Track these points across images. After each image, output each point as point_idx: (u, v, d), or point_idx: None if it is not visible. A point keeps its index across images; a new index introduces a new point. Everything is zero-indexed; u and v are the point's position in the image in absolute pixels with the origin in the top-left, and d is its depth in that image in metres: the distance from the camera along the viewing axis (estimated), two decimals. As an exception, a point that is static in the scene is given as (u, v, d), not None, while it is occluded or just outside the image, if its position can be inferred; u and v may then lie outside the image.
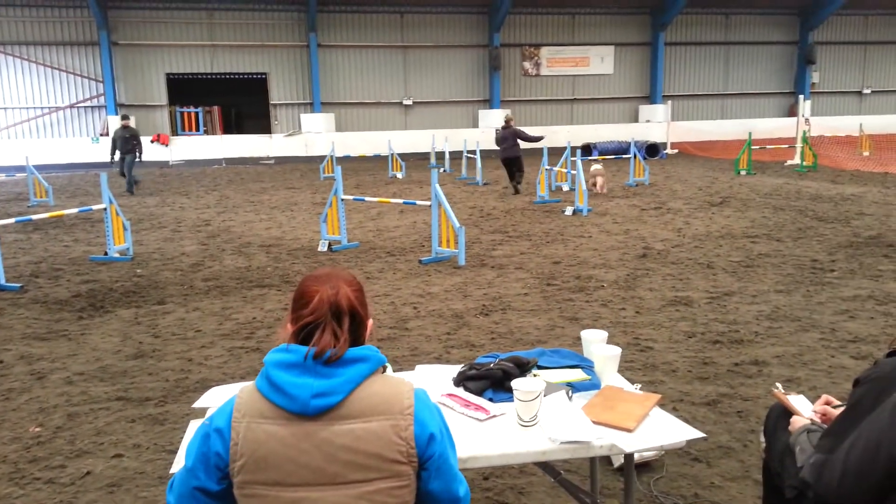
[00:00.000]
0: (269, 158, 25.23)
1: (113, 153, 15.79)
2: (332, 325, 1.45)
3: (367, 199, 9.02)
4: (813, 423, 2.02)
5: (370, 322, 1.58)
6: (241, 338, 5.15)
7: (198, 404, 2.33)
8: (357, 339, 1.51)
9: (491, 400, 2.21)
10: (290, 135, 25.98)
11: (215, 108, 26.92)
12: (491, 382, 2.27)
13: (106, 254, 8.23)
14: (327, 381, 1.41)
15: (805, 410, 2.13)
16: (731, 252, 7.68)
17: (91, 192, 16.16)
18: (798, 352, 4.51)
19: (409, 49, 27.47)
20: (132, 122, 16.83)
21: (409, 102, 27.74)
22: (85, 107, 25.31)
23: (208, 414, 1.56)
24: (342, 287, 1.50)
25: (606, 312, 5.56)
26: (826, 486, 1.68)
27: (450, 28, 27.61)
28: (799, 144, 17.84)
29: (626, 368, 4.29)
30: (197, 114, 26.25)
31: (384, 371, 1.55)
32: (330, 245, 8.50)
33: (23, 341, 5.17)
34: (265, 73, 26.55)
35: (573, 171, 12.56)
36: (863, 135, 22.37)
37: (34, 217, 8.02)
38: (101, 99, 25.10)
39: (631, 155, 15.30)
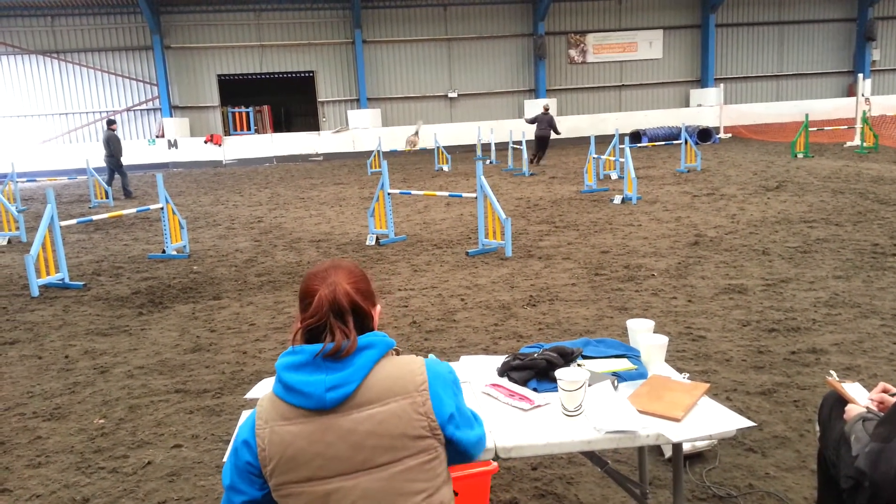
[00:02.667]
0: (317, 155, 25.62)
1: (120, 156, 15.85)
2: (337, 325, 1.48)
3: (413, 192, 9.07)
4: (869, 411, 1.96)
5: (377, 308, 1.62)
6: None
7: (250, 395, 2.40)
8: (364, 328, 1.55)
9: (535, 390, 2.20)
10: (337, 131, 26.30)
11: (265, 108, 27.47)
12: (535, 372, 2.26)
13: (164, 252, 8.51)
14: (338, 374, 1.45)
15: (861, 398, 2.07)
16: (788, 238, 7.45)
17: (149, 192, 16.72)
18: (858, 339, 4.35)
19: (452, 41, 27.43)
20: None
21: (454, 95, 27.71)
22: (141, 110, 26.16)
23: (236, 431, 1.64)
24: (339, 284, 1.52)
25: (657, 301, 5.47)
26: (883, 475, 1.63)
27: (493, 18, 27.44)
28: (859, 125, 17.12)
29: (677, 358, 4.22)
30: (248, 113, 26.83)
31: (395, 354, 1.58)
32: (378, 239, 8.59)
33: (86, 337, 5.40)
34: (312, 71, 26.92)
35: (622, 160, 12.36)
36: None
37: (95, 217, 8.35)
38: (156, 102, 25.89)
39: (682, 140, 14.96)
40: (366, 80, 26.70)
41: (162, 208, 8.39)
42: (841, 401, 2.11)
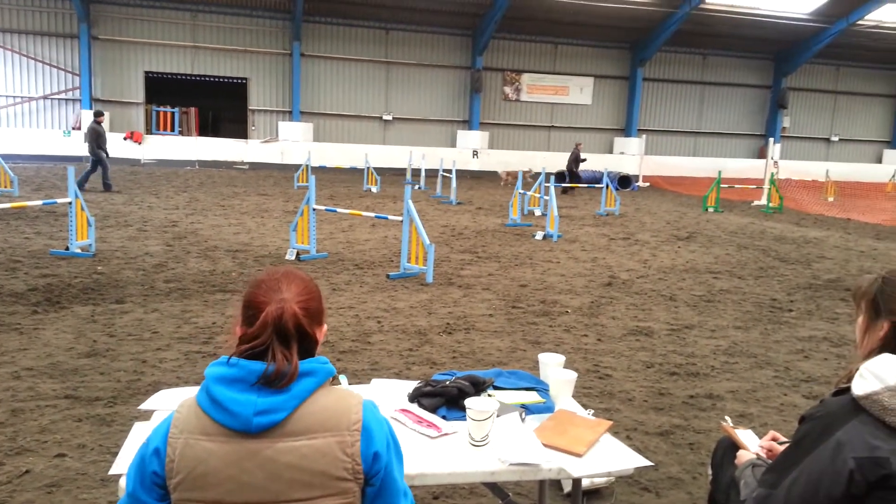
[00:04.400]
0: (243, 163, 25.03)
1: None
2: (280, 350, 1.39)
3: (339, 210, 8.99)
4: (759, 457, 2.06)
5: (323, 329, 1.54)
6: (199, 342, 5.07)
7: (145, 406, 2.28)
8: (307, 351, 1.45)
9: (444, 418, 2.20)
10: (266, 141, 25.82)
11: (192, 110, 26.68)
12: (446, 400, 2.26)
13: (67, 249, 8.05)
14: (271, 398, 1.36)
15: (752, 445, 2.17)
16: (694, 286, 7.81)
17: (58, 185, 15.84)
18: (752, 388, 4.59)
19: (392, 65, 27.59)
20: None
21: (389, 118, 27.81)
22: (59, 99, 24.86)
23: (154, 426, 1.51)
24: (289, 303, 1.43)
25: (569, 338, 5.60)
26: (767, 521, 1.70)
27: (434, 47, 27.83)
28: (766, 186, 18.27)
29: (583, 395, 4.32)
30: (173, 114, 25.97)
31: (334, 382, 1.50)
32: (298, 254, 8.44)
33: (-29, 332, 5.02)
34: (245, 78, 26.41)
35: (546, 197, 12.68)
36: (829, 181, 23.02)
37: (-5, 206, 7.83)
38: (77, 92, 24.68)
39: (604, 185, 15.51)
40: (300, 93, 26.41)
41: (70, 203, 7.96)
42: (733, 446, 2.20)
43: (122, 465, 1.83)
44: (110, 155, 15.97)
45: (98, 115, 16.10)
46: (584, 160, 21.08)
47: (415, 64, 27.76)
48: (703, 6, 25.81)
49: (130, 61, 25.16)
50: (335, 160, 23.39)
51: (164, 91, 26.58)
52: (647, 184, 25.03)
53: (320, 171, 21.44)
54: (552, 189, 11.76)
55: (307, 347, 1.45)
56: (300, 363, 1.40)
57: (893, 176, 28.39)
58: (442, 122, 28.47)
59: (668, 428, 3.87)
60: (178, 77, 25.88)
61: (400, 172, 23.27)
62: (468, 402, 2.01)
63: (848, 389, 1.67)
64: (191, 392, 1.48)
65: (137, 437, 2.00)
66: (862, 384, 1.63)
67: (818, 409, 1.76)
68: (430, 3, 25.48)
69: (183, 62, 25.65)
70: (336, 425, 1.38)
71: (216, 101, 29.28)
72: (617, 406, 4.18)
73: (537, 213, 14.52)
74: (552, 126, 29.80)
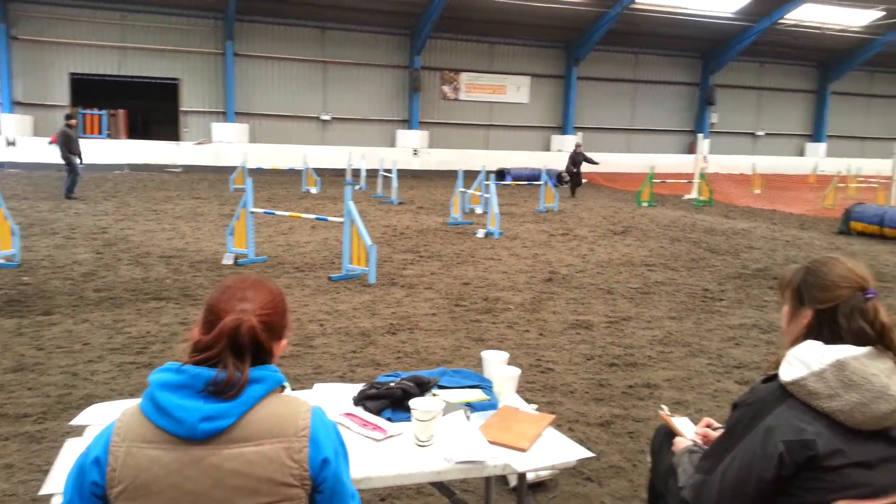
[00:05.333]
0: (176, 167, 24.30)
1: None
2: (231, 362, 1.37)
3: (277, 212, 8.84)
4: (695, 444, 2.13)
5: (283, 343, 1.52)
6: (133, 353, 4.90)
7: (76, 421, 2.19)
8: (260, 360, 1.44)
9: (390, 419, 2.20)
10: (200, 143, 25.16)
11: (121, 112, 25.74)
12: (390, 402, 2.26)
13: (-12, 259, 7.66)
14: (217, 405, 1.34)
15: (688, 432, 2.24)
16: (630, 279, 8.02)
17: (-25, 192, 15.03)
18: (687, 376, 4.75)
19: (329, 64, 27.29)
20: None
21: (328, 118, 27.50)
22: (-26, 101, 23.58)
23: (88, 442, 1.46)
24: (247, 316, 1.41)
25: (511, 334, 5.67)
26: (704, 505, 1.76)
27: (371, 47, 27.67)
28: (696, 180, 18.92)
29: (527, 389, 4.38)
30: (101, 117, 24.98)
31: (282, 391, 1.49)
32: (236, 258, 8.26)
33: None
34: (177, 79, 25.65)
35: (486, 195, 12.79)
36: (755, 174, 24.00)
37: None
38: (-6, 95, 23.47)
39: (542, 182, 15.75)
40: (235, 93, 25.83)
41: (-10, 211, 7.56)
42: (671, 434, 2.27)
43: (54, 484, 1.76)
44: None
45: (69, 118, 15.40)
46: (596, 163, 19.89)
47: (352, 63, 27.54)
48: (633, 6, 26.49)
49: (54, 63, 24.05)
50: (272, 161, 22.97)
51: (90, 93, 25.53)
52: (585, 180, 25.53)
53: (257, 172, 21.02)
54: (492, 187, 11.87)
55: (262, 358, 1.44)
56: (249, 370, 1.39)
57: (815, 168, 29.86)
58: (381, 121, 28.34)
59: (608, 418, 3.96)
60: (106, 78, 24.90)
61: (340, 173, 23.04)
62: (413, 402, 2.01)
63: (776, 376, 1.74)
64: (126, 404, 1.45)
65: (69, 453, 1.92)
66: (789, 370, 1.71)
67: (749, 395, 1.83)
68: (366, 2, 25.31)
69: (111, 63, 24.71)
70: (283, 431, 1.37)
71: (146, 103, 28.33)
72: (559, 399, 4.26)
73: (478, 211, 14.62)
74: (491, 125, 30.06)
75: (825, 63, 33.98)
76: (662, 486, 2.15)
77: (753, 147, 34.20)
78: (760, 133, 34.53)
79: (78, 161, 14.88)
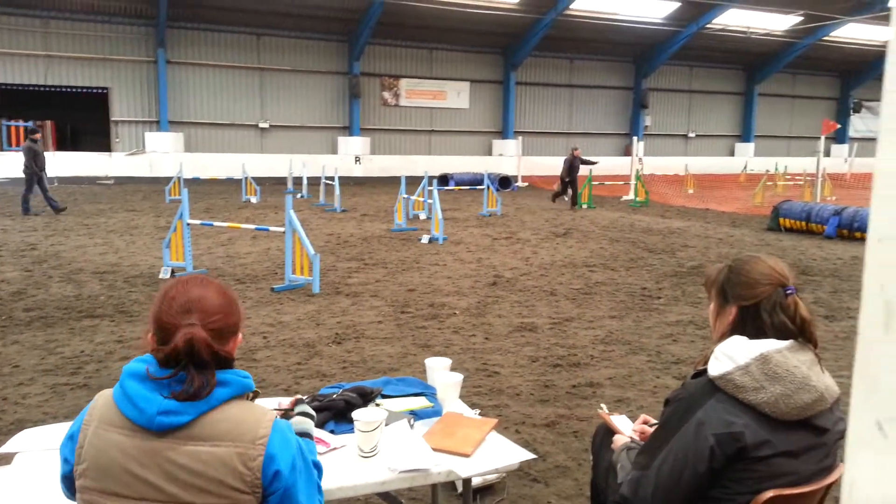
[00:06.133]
0: (108, 178, 23.50)
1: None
2: (196, 375, 1.40)
3: (215, 223, 8.65)
4: (633, 441, 2.19)
5: (238, 337, 1.53)
6: (67, 373, 4.72)
7: (5, 449, 2.10)
8: (224, 363, 1.46)
9: (333, 432, 2.19)
10: (132, 154, 24.41)
11: (48, 123, 24.74)
12: (333, 414, 2.25)
13: None
14: (178, 401, 1.38)
15: (626, 429, 2.30)
16: (573, 280, 8.18)
17: None
18: (628, 373, 4.87)
19: (265, 71, 26.92)
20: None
21: (266, 125, 27.11)
22: None
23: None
24: (198, 330, 1.41)
25: (458, 339, 5.70)
26: (641, 501, 1.82)
27: (308, 53, 27.42)
28: (633, 181, 19.43)
29: (473, 394, 4.42)
30: (26, 128, 23.95)
31: (253, 398, 1.51)
32: (173, 272, 8.05)
33: None
34: (106, 88, 24.84)
35: (430, 201, 12.83)
36: (688, 174, 24.81)
37: None
38: None
39: (485, 186, 15.90)
40: (168, 101, 25.18)
41: None
42: (610, 432, 2.34)
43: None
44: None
45: (33, 132, 14.64)
46: (594, 163, 18.69)
47: (290, 70, 27.24)
48: (567, 12, 27.07)
49: (-28, 71, 23.00)
50: (210, 171, 22.52)
51: (14, 104, 24.49)
52: (526, 184, 25.91)
53: (194, 183, 20.58)
54: (435, 192, 11.91)
55: (221, 360, 1.46)
56: (217, 373, 1.43)
57: (745, 167, 31.07)
58: (322, 128, 28.10)
59: (553, 418, 4.03)
60: (31, 88, 23.92)
61: (280, 181, 22.72)
62: (355, 413, 2.01)
63: (705, 371, 1.82)
64: (62, 428, 1.53)
65: (-3, 484, 1.84)
66: (716, 365, 1.78)
67: (680, 391, 1.90)
68: (301, 8, 25.08)
69: (35, 72, 23.75)
70: (240, 437, 1.40)
71: (75, 113, 27.35)
72: (506, 402, 4.31)
73: (422, 216, 14.65)
74: (432, 130, 30.19)
75: (751, 66, 35.47)
76: (603, 484, 2.21)
77: (686, 148, 35.38)
78: (692, 135, 35.75)
79: (42, 175, 14.21)
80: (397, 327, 6.02)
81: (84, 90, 24.73)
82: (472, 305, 6.86)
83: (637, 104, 33.27)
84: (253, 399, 1.51)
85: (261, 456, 1.39)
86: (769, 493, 1.69)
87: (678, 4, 27.82)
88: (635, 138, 22.66)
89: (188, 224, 8.11)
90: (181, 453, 1.37)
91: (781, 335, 1.79)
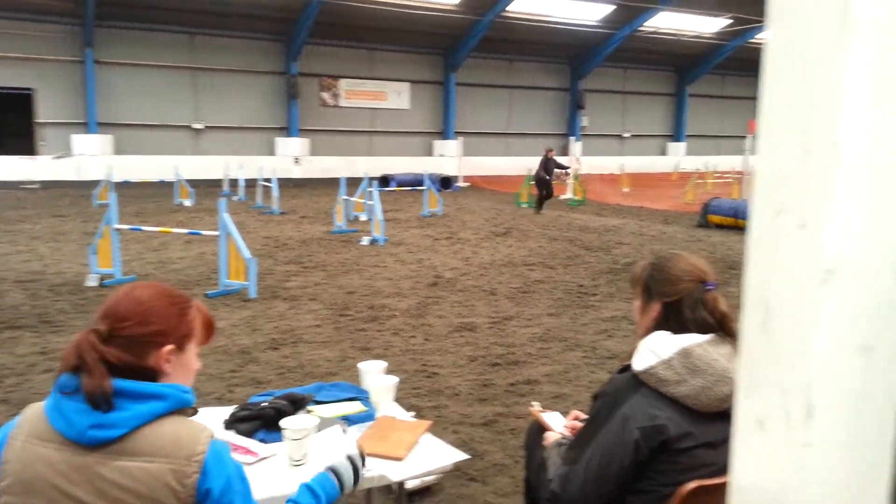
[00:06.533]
0: (32, 183, 22.43)
1: None
2: (86, 377, 1.33)
3: (145, 228, 8.38)
4: (564, 437, 2.22)
5: (163, 351, 1.43)
6: (-16, 389, 4.47)
7: None
8: (147, 376, 1.40)
9: (263, 441, 2.14)
10: (58, 157, 23.38)
11: (-36, 124, 23.48)
12: (263, 423, 2.20)
13: None
14: (109, 414, 1.33)
15: (558, 426, 2.33)
16: (512, 279, 8.26)
17: None
18: (564, 369, 4.95)
19: (200, 71, 26.22)
20: None
21: (201, 126, 26.41)
22: None
23: None
24: (89, 334, 1.37)
25: (397, 341, 5.67)
26: (571, 495, 1.84)
27: (245, 53, 26.85)
28: (571, 181, 19.78)
29: (413, 395, 4.41)
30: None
31: (192, 414, 1.46)
32: (101, 279, 7.74)
33: None
34: (31, 89, 23.72)
35: (370, 202, 12.75)
36: (623, 173, 25.44)
37: None
38: None
39: (426, 187, 15.91)
40: (97, 103, 24.24)
41: None
42: (542, 429, 2.36)
43: None
44: None
45: None
46: (565, 168, 17.67)
47: (225, 70, 26.61)
48: (505, 14, 27.36)
49: None
50: (141, 174, 21.78)
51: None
52: (468, 184, 26.06)
53: (124, 186, 19.87)
54: (376, 193, 11.85)
55: (139, 372, 1.39)
56: (149, 386, 1.37)
57: (677, 166, 32.08)
58: (259, 129, 27.56)
59: (491, 417, 4.06)
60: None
61: (216, 184, 22.17)
62: (283, 422, 1.97)
63: (631, 366, 1.86)
64: None
65: None
66: (640, 360, 1.82)
67: (607, 386, 1.94)
68: (236, 7, 24.54)
69: (-52, 71, 22.50)
70: (175, 453, 1.34)
71: (-6, 115, 26.02)
72: (445, 402, 4.32)
73: (363, 218, 14.55)
74: (373, 131, 30.02)
75: (682, 67, 36.63)
76: (536, 480, 2.23)
77: (621, 148, 36.26)
78: (626, 135, 36.66)
79: None
80: (336, 331, 5.95)
81: (6, 91, 23.54)
82: (413, 306, 6.85)
83: (574, 105, 33.91)
84: (192, 415, 1.46)
85: (196, 473, 1.34)
86: (692, 484, 1.73)
87: (612, 7, 28.48)
88: (573, 138, 23.11)
89: (116, 229, 7.82)
90: (112, 469, 1.32)
91: (702, 329, 1.85)
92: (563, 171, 17.39)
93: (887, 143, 0.41)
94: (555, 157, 16.83)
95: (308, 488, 1.67)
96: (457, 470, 3.31)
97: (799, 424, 0.43)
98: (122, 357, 1.39)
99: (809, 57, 0.42)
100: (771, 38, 0.45)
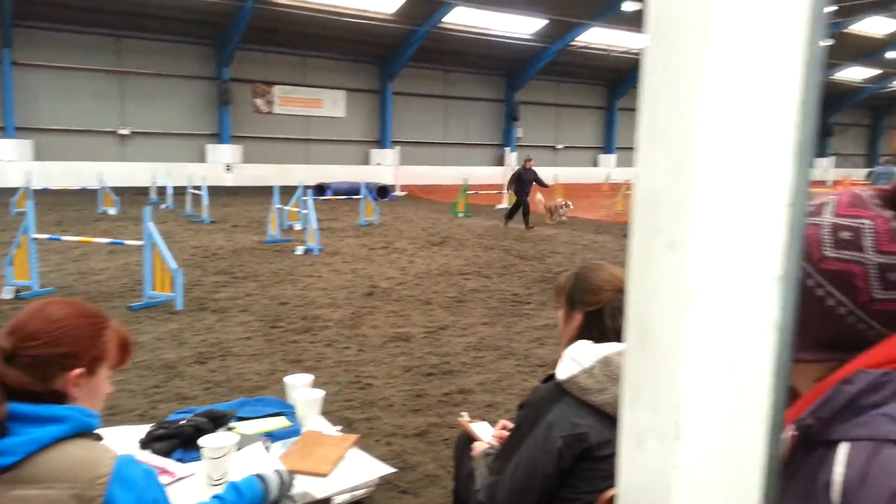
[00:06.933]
0: (-58, 189, 21.17)
1: None
2: None
3: (64, 238, 8.00)
4: (491, 447, 2.23)
5: (73, 373, 1.37)
6: None
7: None
8: (53, 398, 1.33)
9: (180, 460, 2.06)
10: (-28, 162, 22.13)
11: None
12: (181, 441, 2.12)
13: None
14: (5, 440, 1.25)
15: (486, 436, 2.34)
16: (447, 288, 8.28)
17: None
18: (498, 378, 4.99)
19: (126, 75, 25.32)
20: None
21: (127, 132, 25.48)
22: None
23: None
24: None
25: (330, 352, 5.59)
26: (497, 505, 1.85)
27: (174, 57, 26.09)
28: (506, 191, 20.02)
29: (346, 407, 4.35)
30: None
31: (98, 440, 1.38)
32: (17, 292, 7.35)
33: None
34: (-61, 90, 22.40)
35: (305, 211, 12.56)
36: (557, 183, 25.93)
37: None
38: None
39: (362, 196, 15.80)
40: (15, 106, 23.07)
41: None
42: (471, 439, 2.37)
43: None
44: None
45: None
46: (547, 186, 16.51)
47: (154, 74, 25.79)
48: (441, 25, 27.56)
49: None
50: (62, 181, 20.84)
51: None
52: (405, 193, 26.04)
53: (44, 194, 18.97)
54: (310, 202, 11.68)
55: (42, 396, 1.32)
56: (45, 409, 1.30)
57: (608, 177, 32.96)
58: (189, 135, 26.81)
59: (424, 428, 4.04)
60: None
61: (143, 191, 21.42)
62: (202, 440, 1.91)
63: (555, 375, 1.88)
64: None
65: None
66: (563, 369, 1.85)
67: (532, 396, 1.95)
68: (165, 10, 23.84)
69: None
70: (76, 477, 1.27)
71: None
72: (378, 414, 4.28)
73: (297, 227, 14.32)
74: (309, 139, 29.64)
75: (612, 82, 37.72)
76: (464, 492, 2.23)
77: (554, 159, 36.99)
78: (560, 146, 37.46)
79: None
80: (267, 343, 5.82)
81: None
82: (347, 317, 6.77)
83: (509, 116, 34.41)
84: (98, 440, 1.39)
85: (101, 496, 1.28)
86: (612, 491, 1.77)
87: (546, 22, 29.09)
88: (508, 149, 23.42)
89: (34, 239, 7.45)
90: (10, 499, 1.24)
91: (622, 338, 1.89)
92: (541, 185, 15.90)
93: (745, 166, 0.43)
94: (534, 168, 15.57)
95: (234, 486, 1.69)
96: (388, 483, 3.28)
97: (670, 445, 0.44)
98: (22, 380, 1.32)
99: (674, 79, 0.43)
100: (645, 60, 0.46)
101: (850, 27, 32.30)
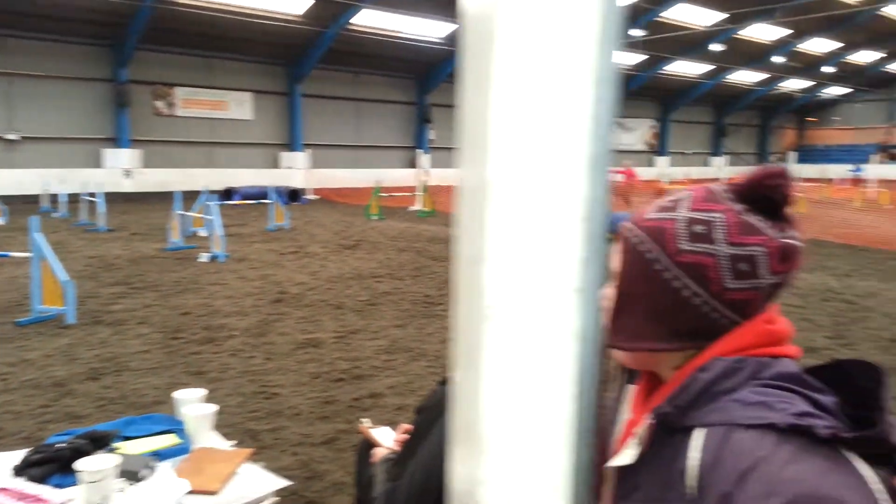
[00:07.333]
0: None
1: None
2: None
3: (-59, 251, 7.38)
4: (392, 452, 2.20)
5: None
6: None
7: None
8: None
9: (58, 486, 1.92)
10: None
11: None
12: (59, 465, 1.98)
13: None
14: None
15: (388, 441, 2.31)
16: (360, 292, 8.20)
17: None
18: (409, 380, 4.97)
19: (13, 77, 23.66)
20: None
21: (15, 137, 23.82)
22: None
23: None
24: None
25: (235, 362, 5.41)
26: (395, 513, 1.82)
27: (67, 58, 24.59)
28: (420, 193, 20.08)
29: (250, 419, 4.22)
30: None
31: None
32: None
33: None
34: None
35: (209, 217, 12.12)
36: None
37: None
38: None
39: (271, 200, 15.42)
40: None
41: None
42: (372, 445, 2.33)
43: None
44: None
45: None
46: None
47: (44, 76, 24.22)
48: (350, 27, 27.29)
49: None
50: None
51: None
52: (318, 196, 25.63)
53: (-80, 203, 17.47)
54: (215, 207, 11.28)
55: None
56: None
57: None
58: (84, 140, 25.34)
59: (333, 435, 3.97)
60: None
61: (34, 199, 20.10)
62: (78, 463, 1.79)
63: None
64: None
65: None
66: (458, 371, 1.84)
67: (429, 399, 1.94)
68: (56, 10, 22.43)
69: None
70: None
71: None
72: (284, 423, 4.17)
73: (202, 233, 13.81)
74: (214, 142, 28.66)
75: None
76: (365, 499, 2.19)
77: (469, 160, 37.40)
78: (474, 147, 37.91)
79: None
80: (167, 355, 5.57)
81: None
82: (254, 325, 6.58)
83: (421, 118, 34.51)
84: None
85: None
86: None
87: (456, 26, 29.37)
88: (421, 151, 23.47)
89: None
90: None
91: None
92: None
93: (539, 181, 0.42)
94: None
95: None
96: (293, 494, 3.20)
97: (476, 459, 0.43)
98: None
99: (473, 96, 0.43)
100: (463, 78, 0.45)
101: (739, 33, 34.37)
